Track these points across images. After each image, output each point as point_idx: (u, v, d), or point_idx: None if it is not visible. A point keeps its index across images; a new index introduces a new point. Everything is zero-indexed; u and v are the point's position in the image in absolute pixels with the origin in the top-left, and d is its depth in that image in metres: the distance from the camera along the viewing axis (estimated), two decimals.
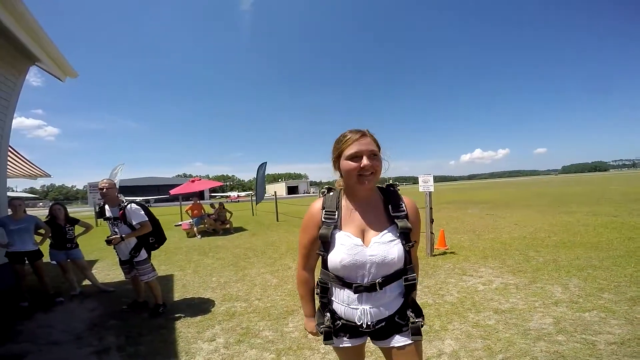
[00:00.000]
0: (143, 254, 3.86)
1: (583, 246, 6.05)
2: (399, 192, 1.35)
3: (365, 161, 1.19)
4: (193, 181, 14.50)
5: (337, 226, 1.27)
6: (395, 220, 1.25)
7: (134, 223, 3.74)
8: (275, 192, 18.33)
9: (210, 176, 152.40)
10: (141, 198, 50.45)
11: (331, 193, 1.36)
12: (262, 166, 16.36)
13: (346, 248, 1.22)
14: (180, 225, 12.09)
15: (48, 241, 4.83)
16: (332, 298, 1.33)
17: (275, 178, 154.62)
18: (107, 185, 3.77)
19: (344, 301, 1.28)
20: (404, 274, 1.27)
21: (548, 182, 59.09)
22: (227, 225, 11.88)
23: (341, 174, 1.29)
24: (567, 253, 5.62)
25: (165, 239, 4.22)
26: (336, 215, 1.27)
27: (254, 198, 18.24)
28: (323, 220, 1.28)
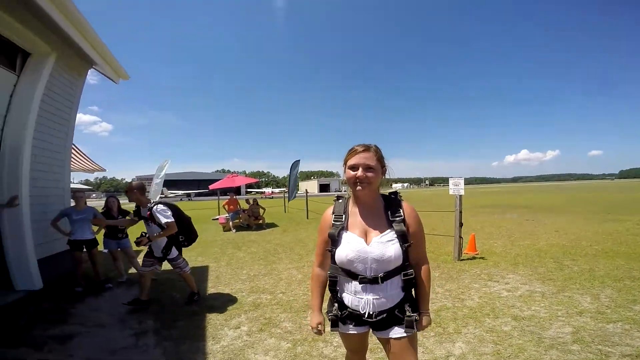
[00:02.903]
0: (174, 252, 4.06)
1: (627, 256, 5.69)
2: (401, 199, 1.55)
3: (359, 172, 1.44)
4: (232, 177, 15.09)
5: (344, 227, 1.52)
6: (394, 224, 1.47)
7: (162, 223, 3.84)
8: (306, 189, 18.64)
9: (247, 172, 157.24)
10: (183, 192, 53.31)
11: (340, 200, 1.61)
12: (296, 164, 16.65)
13: (351, 245, 1.46)
14: (217, 219, 12.64)
15: (103, 230, 5.31)
16: (341, 289, 1.56)
17: (308, 176, 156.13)
18: (127, 188, 3.95)
19: (351, 291, 1.50)
20: (402, 270, 1.48)
21: (601, 187, 54.41)
22: (260, 221, 12.30)
23: None
24: (607, 263, 5.32)
25: (196, 236, 4.36)
26: (343, 219, 1.53)
27: (286, 195, 18.66)
28: (333, 222, 1.55)
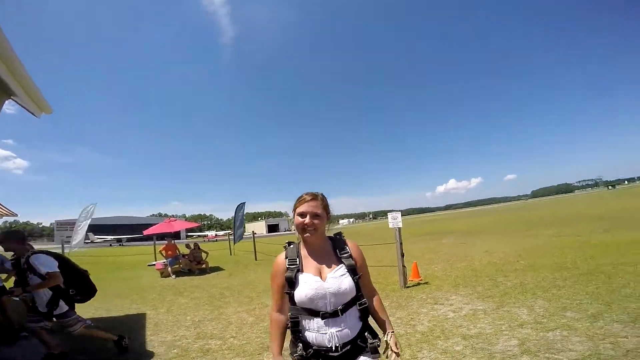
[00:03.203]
0: (62, 306, 3.60)
1: (548, 268, 6.35)
2: (344, 238, 1.71)
3: (307, 220, 1.56)
4: (170, 222, 14.22)
5: (300, 269, 1.59)
6: (343, 260, 1.60)
7: (42, 273, 3.43)
8: (253, 231, 18.09)
9: (187, 215, 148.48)
10: (113, 237, 48.40)
11: (292, 245, 1.69)
12: (241, 206, 16.32)
13: (309, 284, 1.53)
14: (154, 265, 11.72)
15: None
16: (304, 329, 1.59)
17: (254, 217, 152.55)
18: (0, 237, 3.57)
19: (314, 329, 1.54)
20: (357, 300, 1.57)
21: (518, 207, 61.49)
22: (203, 265, 11.62)
23: None
24: (534, 275, 5.87)
25: (94, 290, 3.97)
26: (297, 262, 1.61)
27: (231, 237, 17.94)
28: (287, 267, 1.60)
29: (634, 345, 2.80)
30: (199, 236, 55.38)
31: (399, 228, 6.43)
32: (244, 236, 17.47)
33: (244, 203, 16.42)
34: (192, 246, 12.15)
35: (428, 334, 3.68)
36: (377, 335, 1.61)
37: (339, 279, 1.53)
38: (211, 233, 61.12)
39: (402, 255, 6.29)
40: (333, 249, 1.65)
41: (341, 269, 1.57)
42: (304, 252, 1.65)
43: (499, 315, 4.05)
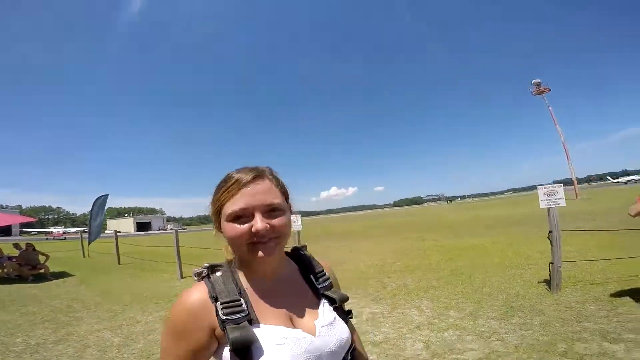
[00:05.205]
0: None
1: (421, 269, 7.09)
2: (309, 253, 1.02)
3: (258, 222, 0.76)
4: None
5: (253, 320, 0.77)
6: (326, 293, 0.91)
7: None
8: (115, 230, 15.28)
9: (24, 207, 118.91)
10: None
11: (219, 273, 0.83)
12: (101, 199, 13.77)
13: (289, 348, 0.74)
14: None
15: None
16: None
17: (120, 213, 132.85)
18: None
19: None
20: (350, 351, 0.90)
21: (384, 214, 70.70)
22: (42, 270, 9.20)
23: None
24: (412, 276, 6.45)
25: None
26: (243, 305, 0.77)
27: (85, 236, 14.82)
28: (223, 317, 0.74)
29: (517, 340, 3.17)
30: (40, 233, 44.62)
31: (299, 231, 6.29)
32: (102, 235, 14.76)
33: (106, 195, 13.87)
34: (23, 246, 9.66)
35: None
36: None
37: (335, 326, 0.84)
38: (58, 230, 50.18)
39: None
40: (303, 274, 0.95)
41: (329, 309, 0.88)
42: (247, 284, 0.84)
43: (396, 317, 4.20)
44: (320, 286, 0.91)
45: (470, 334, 3.44)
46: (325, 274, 0.95)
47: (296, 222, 6.28)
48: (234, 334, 0.71)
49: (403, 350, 3.22)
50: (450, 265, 7.15)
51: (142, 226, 74.48)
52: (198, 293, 0.77)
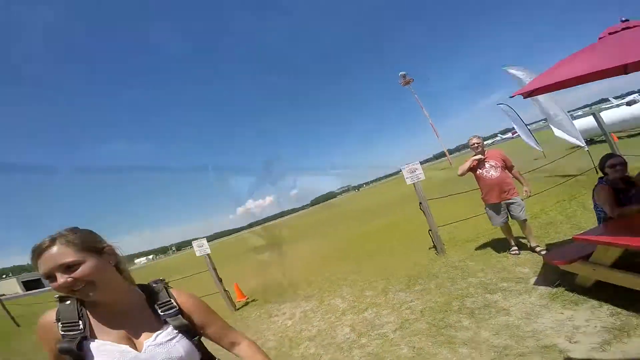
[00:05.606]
0: None
1: (338, 259, 7.86)
2: (168, 287, 1.23)
3: (60, 280, 0.98)
4: None
5: (88, 336, 1.02)
6: (167, 320, 1.13)
7: None
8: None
9: None
10: None
11: (68, 302, 1.07)
12: None
13: (114, 358, 1.00)
14: None
15: None
16: None
17: (1, 273, 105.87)
18: None
19: None
20: None
21: (300, 215, 72.63)
22: None
23: None
24: (332, 268, 7.07)
25: None
26: (81, 325, 1.03)
27: None
28: (62, 333, 1.01)
29: (422, 305, 3.80)
30: None
31: (208, 254, 6.42)
32: None
33: None
34: None
35: (280, 348, 3.88)
36: None
37: (165, 347, 1.06)
38: None
39: (220, 280, 6.34)
40: (150, 304, 1.16)
41: (167, 331, 1.10)
42: (93, 310, 1.09)
43: (324, 309, 4.71)
44: (163, 314, 1.13)
45: (385, 309, 4.05)
46: (170, 304, 1.16)
47: (203, 247, 6.41)
48: (63, 345, 0.98)
49: (334, 338, 3.70)
50: (362, 250, 8.06)
51: (31, 285, 60.20)
52: (48, 317, 1.05)
